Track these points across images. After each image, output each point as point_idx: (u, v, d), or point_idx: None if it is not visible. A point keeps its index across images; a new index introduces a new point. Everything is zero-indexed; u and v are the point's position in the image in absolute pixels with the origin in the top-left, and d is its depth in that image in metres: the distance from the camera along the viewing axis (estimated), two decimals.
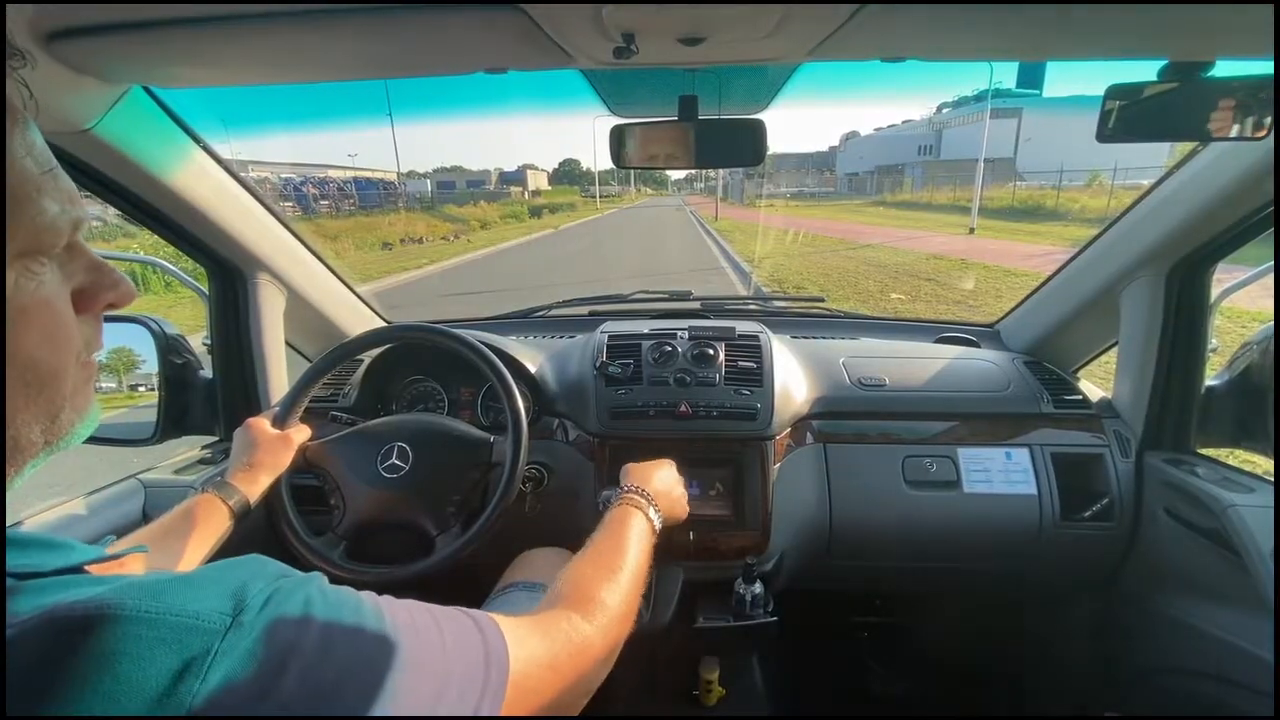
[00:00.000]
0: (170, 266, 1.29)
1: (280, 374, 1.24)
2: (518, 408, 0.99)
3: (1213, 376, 1.10)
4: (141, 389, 1.15)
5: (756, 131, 0.86)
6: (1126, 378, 1.17)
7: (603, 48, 0.69)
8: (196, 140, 0.99)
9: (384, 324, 1.52)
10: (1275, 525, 0.87)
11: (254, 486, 0.86)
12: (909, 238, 15.21)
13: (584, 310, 1.65)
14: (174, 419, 1.14)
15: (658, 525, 0.82)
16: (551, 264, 13.88)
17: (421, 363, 1.34)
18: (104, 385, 1.16)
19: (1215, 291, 1.08)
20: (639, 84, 0.97)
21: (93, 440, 1.10)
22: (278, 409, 1.00)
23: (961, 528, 1.17)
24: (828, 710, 1.55)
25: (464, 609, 0.47)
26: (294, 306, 1.27)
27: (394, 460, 0.97)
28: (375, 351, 1.28)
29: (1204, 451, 1.11)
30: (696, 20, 0.63)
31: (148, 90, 0.88)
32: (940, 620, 1.60)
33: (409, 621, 0.41)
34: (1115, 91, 0.73)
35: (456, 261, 14.86)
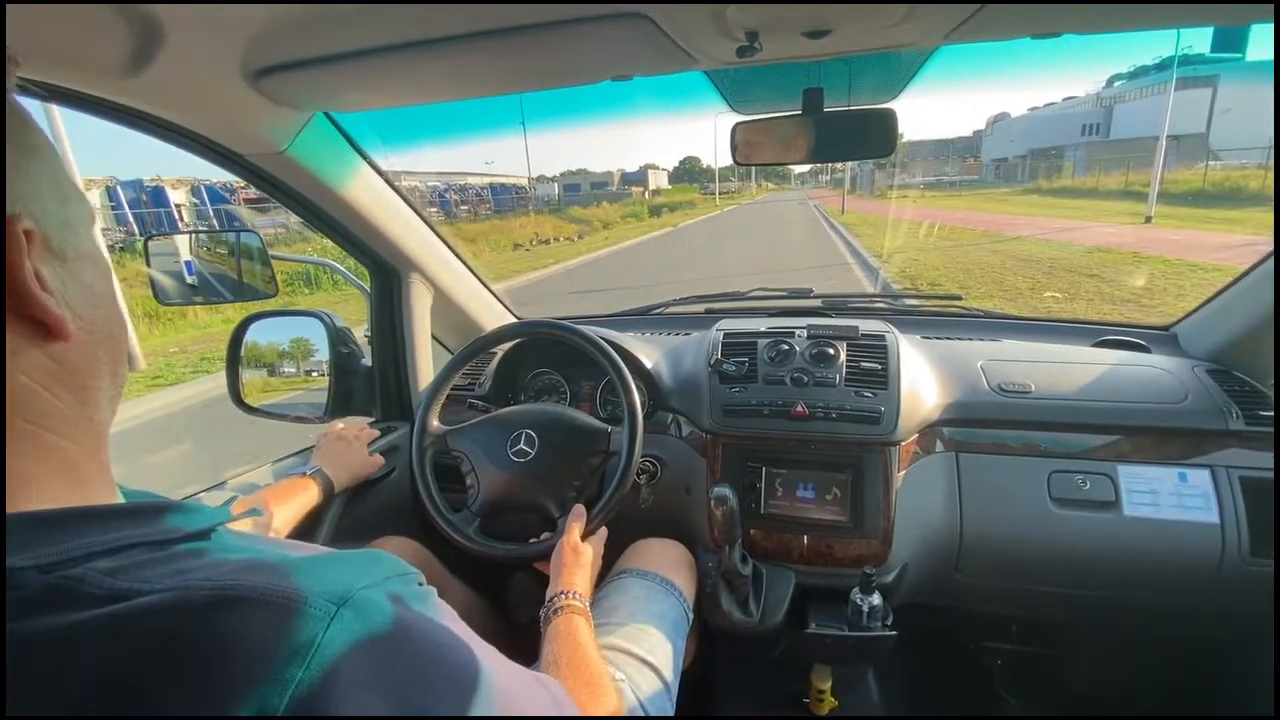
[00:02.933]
0: (339, 267, 1.47)
1: (427, 364, 1.37)
2: (634, 401, 1.03)
3: None
4: (314, 374, 1.33)
5: (885, 121, 0.82)
6: None
7: (725, 48, 0.69)
8: (364, 156, 1.12)
9: (515, 320, 1.63)
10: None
11: (343, 474, 1.07)
12: (1068, 229, 13.61)
13: (700, 308, 1.67)
14: (340, 400, 1.30)
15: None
16: (669, 262, 14.02)
17: (547, 356, 1.42)
18: (286, 370, 1.37)
19: None
20: (762, 79, 0.96)
21: (276, 416, 1.30)
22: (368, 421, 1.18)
23: (1120, 555, 1.04)
24: None
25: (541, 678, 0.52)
26: (439, 303, 1.40)
27: (522, 445, 1.05)
28: (507, 345, 1.38)
29: None
30: (821, 13, 0.62)
31: (328, 115, 1.02)
32: (1090, 657, 1.43)
33: (489, 652, 0.43)
34: None
35: (580, 261, 15.47)
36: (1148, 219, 13.97)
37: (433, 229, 1.34)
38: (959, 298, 1.65)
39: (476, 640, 0.42)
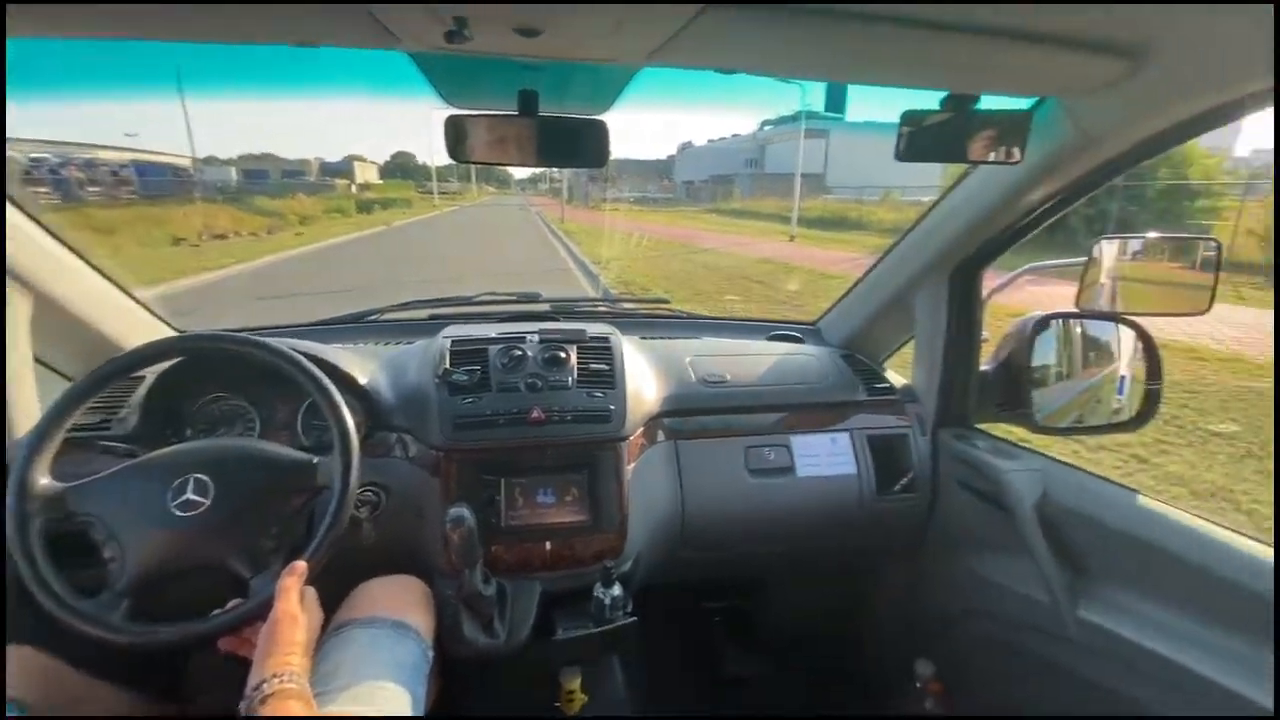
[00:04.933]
0: None
1: (28, 397, 1.00)
2: (345, 424, 0.88)
3: (984, 363, 1.31)
4: None
5: (599, 132, 0.85)
6: (922, 366, 1.36)
7: (432, 30, 0.63)
8: None
9: (172, 333, 1.29)
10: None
11: None
12: (740, 243, 16.40)
13: (424, 314, 1.54)
14: None
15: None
16: (385, 264, 12.89)
17: (224, 378, 1.15)
18: None
19: (985, 290, 1.28)
20: (476, 74, 0.91)
21: None
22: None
23: (797, 509, 1.27)
24: (688, 698, 1.60)
25: None
26: (44, 315, 1.03)
27: (189, 495, 0.82)
28: (162, 366, 1.08)
29: (981, 426, 1.31)
30: (533, 11, 0.61)
31: None
32: (783, 596, 1.74)
33: None
34: (908, 118, 0.83)
35: (272, 260, 13.22)
36: (792, 238, 17.70)
37: (31, 216, 0.98)
38: (667, 301, 1.84)
39: None
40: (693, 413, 1.28)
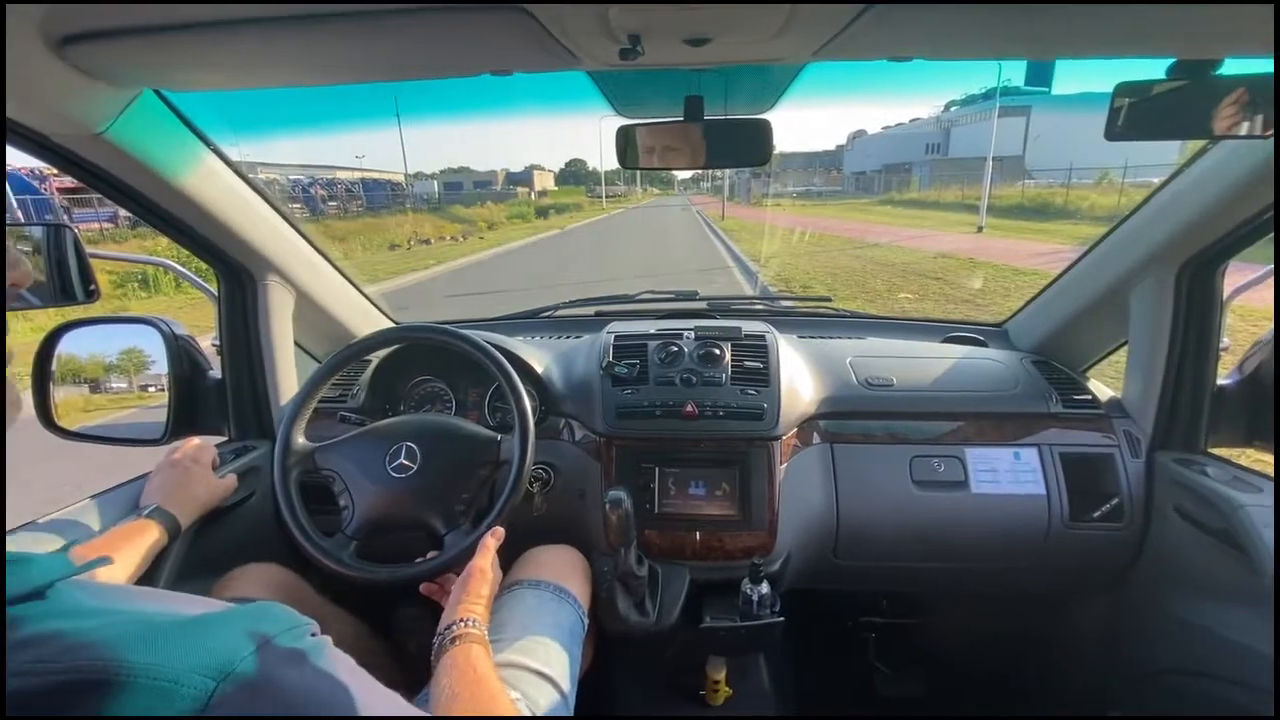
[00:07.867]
0: (179, 268, 1.30)
1: (289, 375, 1.25)
2: (525, 408, 1.00)
3: (1224, 376, 1.09)
4: (151, 389, 1.16)
5: (763, 131, 0.86)
6: (1137, 377, 1.16)
7: (608, 49, 0.69)
8: (206, 143, 1.00)
9: (392, 325, 1.53)
10: (1275, 523, 0.86)
11: (189, 507, 0.95)
12: (917, 236, 15.14)
13: (590, 311, 1.66)
14: (184, 419, 1.15)
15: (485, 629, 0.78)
16: (558, 264, 13.92)
17: (429, 363, 1.35)
18: (114, 385, 1.18)
19: (1227, 290, 1.07)
20: (645, 85, 0.97)
21: (102, 440, 1.11)
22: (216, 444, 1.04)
23: (969, 528, 1.16)
24: (834, 711, 1.54)
25: None
26: (302, 308, 1.28)
27: (402, 460, 0.98)
28: (383, 352, 1.29)
29: (1215, 451, 1.10)
30: (703, 20, 0.63)
31: (159, 94, 0.89)
32: (947, 621, 1.59)
33: (389, 703, 0.41)
34: (1124, 89, 0.73)
35: (463, 262, 14.93)
36: (980, 229, 15.89)
37: (294, 226, 1.23)
38: (829, 299, 1.77)
39: (375, 689, 0.40)
40: (852, 416, 1.23)
